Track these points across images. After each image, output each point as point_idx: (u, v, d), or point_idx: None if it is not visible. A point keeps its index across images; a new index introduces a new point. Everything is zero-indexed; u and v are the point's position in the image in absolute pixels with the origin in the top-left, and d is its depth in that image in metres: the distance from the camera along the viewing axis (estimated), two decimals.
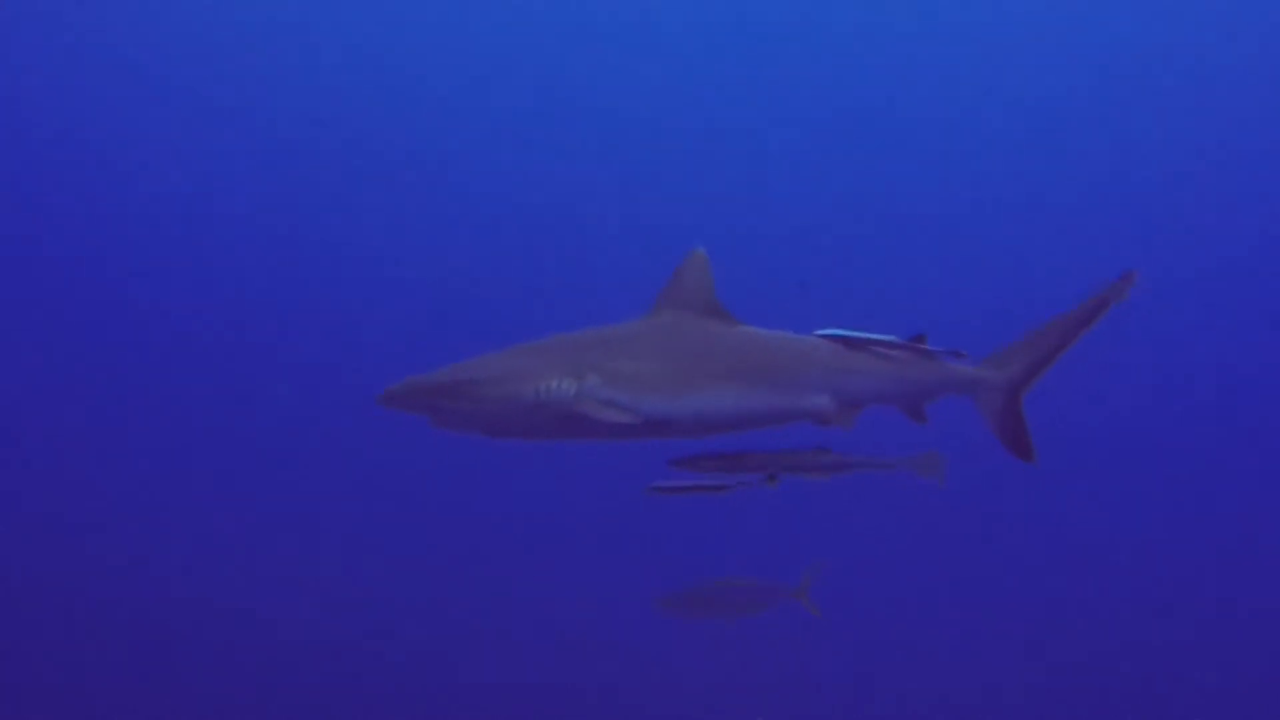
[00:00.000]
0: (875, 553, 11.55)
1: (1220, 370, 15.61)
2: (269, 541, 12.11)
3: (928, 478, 4.89)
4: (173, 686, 10.02)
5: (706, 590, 6.87)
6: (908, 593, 11.91)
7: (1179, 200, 16.68)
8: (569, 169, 17.46)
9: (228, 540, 12.18)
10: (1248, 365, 15.44)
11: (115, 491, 13.05)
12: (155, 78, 16.90)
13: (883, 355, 4.91)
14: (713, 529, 10.39)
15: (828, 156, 17.66)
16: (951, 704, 10.60)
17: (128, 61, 16.91)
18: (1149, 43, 17.35)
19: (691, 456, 4.68)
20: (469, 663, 10.56)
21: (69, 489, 13.06)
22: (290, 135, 17.40)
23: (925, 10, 18.00)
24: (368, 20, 17.87)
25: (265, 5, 17.39)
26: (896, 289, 15.38)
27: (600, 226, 16.93)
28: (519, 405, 4.44)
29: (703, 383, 4.64)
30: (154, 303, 15.76)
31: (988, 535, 12.31)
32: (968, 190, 17.42)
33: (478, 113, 18.06)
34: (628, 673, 10.55)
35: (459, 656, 10.65)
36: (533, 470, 11.03)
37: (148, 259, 16.26)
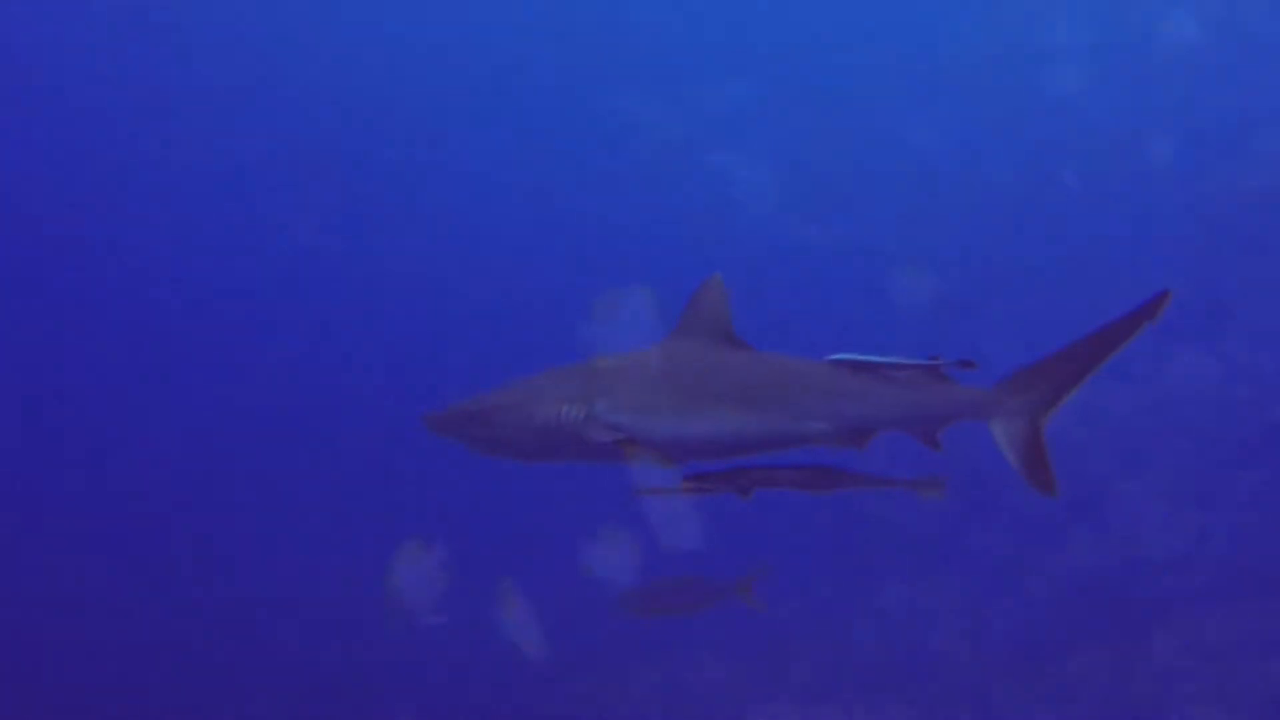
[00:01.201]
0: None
1: None
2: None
3: (929, 497, 4.74)
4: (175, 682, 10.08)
5: (661, 587, 7.11)
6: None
7: None
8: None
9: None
10: None
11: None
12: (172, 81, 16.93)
13: (888, 379, 4.80)
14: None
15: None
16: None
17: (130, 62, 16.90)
18: None
19: (699, 474, 4.80)
20: (472, 662, 10.59)
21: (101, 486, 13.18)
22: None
23: None
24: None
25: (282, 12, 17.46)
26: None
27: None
28: (532, 430, 4.70)
29: (702, 408, 4.79)
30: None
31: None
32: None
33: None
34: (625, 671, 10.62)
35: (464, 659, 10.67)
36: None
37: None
